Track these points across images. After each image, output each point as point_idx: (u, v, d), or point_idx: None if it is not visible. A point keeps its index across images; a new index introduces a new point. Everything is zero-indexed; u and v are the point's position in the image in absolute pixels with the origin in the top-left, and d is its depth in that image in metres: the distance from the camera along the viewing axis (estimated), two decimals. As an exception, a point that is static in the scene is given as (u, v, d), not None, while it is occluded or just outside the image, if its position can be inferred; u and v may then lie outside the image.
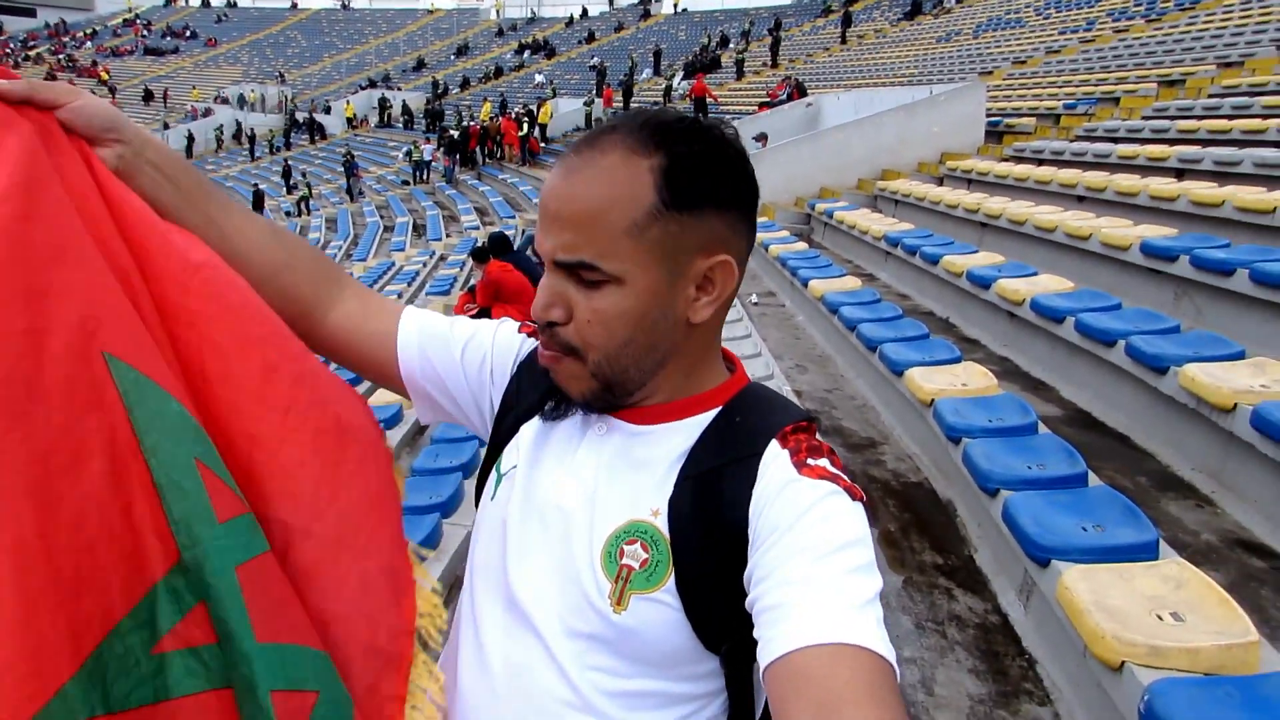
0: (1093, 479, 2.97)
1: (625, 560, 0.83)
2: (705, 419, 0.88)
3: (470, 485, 4.65)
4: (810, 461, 0.82)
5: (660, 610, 0.82)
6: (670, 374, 0.88)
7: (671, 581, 0.82)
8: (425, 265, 13.91)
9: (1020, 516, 2.65)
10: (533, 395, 0.98)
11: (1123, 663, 2.00)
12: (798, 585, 0.73)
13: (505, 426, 1.00)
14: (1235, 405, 3.18)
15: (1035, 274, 5.52)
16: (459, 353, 1.02)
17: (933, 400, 3.82)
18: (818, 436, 0.89)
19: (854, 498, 0.80)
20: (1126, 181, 6.98)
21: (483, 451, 1.16)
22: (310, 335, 0.97)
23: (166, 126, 36.66)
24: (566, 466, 0.90)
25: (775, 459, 0.83)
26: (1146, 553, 2.44)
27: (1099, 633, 2.06)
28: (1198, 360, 3.57)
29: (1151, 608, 2.16)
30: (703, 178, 0.81)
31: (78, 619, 0.64)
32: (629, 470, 0.87)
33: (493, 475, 0.99)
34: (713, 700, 0.86)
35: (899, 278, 7.75)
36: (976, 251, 6.53)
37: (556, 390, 0.93)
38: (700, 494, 0.83)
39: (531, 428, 0.96)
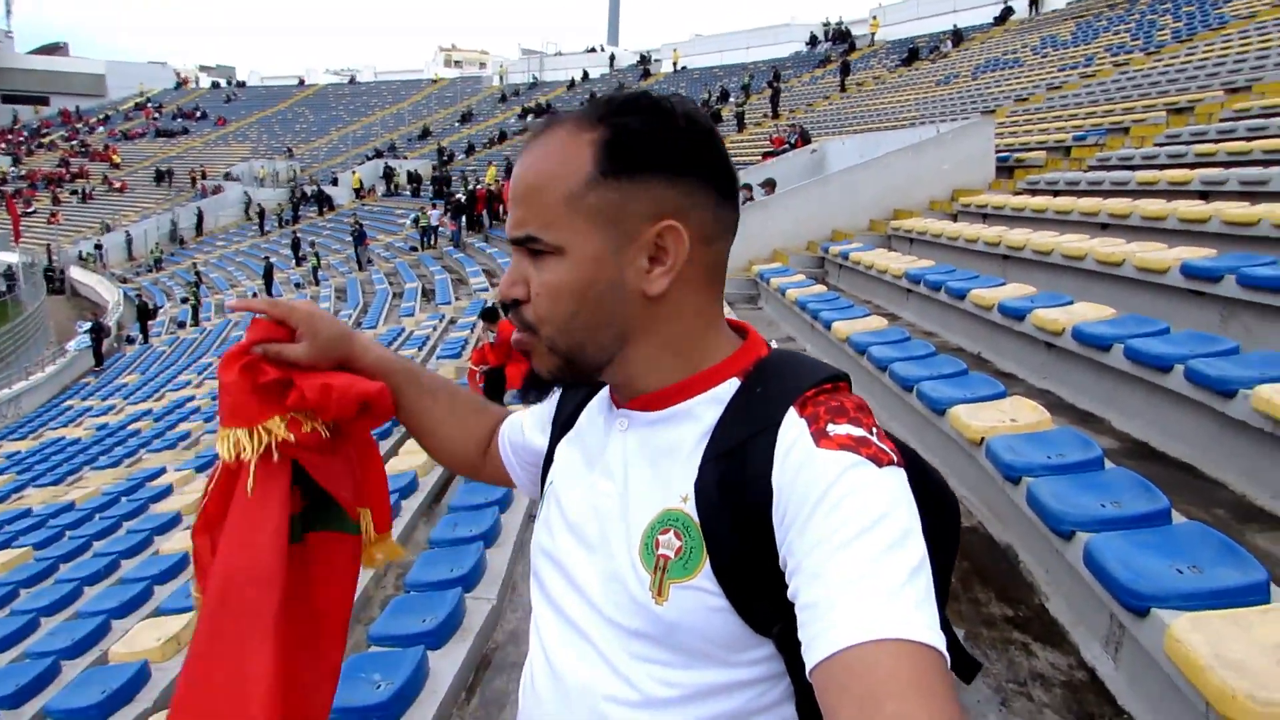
0: (1175, 515, 2.71)
1: (661, 550, 0.82)
2: (722, 392, 0.85)
3: (493, 554, 4.38)
4: (830, 430, 0.76)
5: (700, 597, 0.79)
6: (647, 352, 0.86)
7: (707, 567, 0.79)
8: (435, 329, 13.83)
9: (1107, 561, 2.39)
10: (561, 416, 1.04)
11: (1259, 727, 1.73)
12: (825, 580, 0.69)
13: (548, 453, 1.04)
14: (1319, 427, 2.93)
15: (1071, 303, 5.29)
16: (526, 433, 1.13)
17: (983, 439, 3.57)
18: (848, 393, 0.84)
19: (881, 463, 0.74)
20: (1153, 206, 6.79)
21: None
22: (477, 475, 1.24)
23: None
24: (598, 469, 0.91)
25: (793, 429, 0.78)
26: (1257, 595, 2.17)
27: (1228, 692, 1.79)
28: (1266, 381, 3.32)
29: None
30: (646, 145, 0.81)
31: None
32: (654, 458, 0.86)
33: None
34: (776, 683, 0.83)
35: (923, 315, 7.53)
36: (1004, 284, 6.31)
37: (572, 396, 1.03)
38: (725, 475, 0.80)
39: (567, 446, 0.99)
